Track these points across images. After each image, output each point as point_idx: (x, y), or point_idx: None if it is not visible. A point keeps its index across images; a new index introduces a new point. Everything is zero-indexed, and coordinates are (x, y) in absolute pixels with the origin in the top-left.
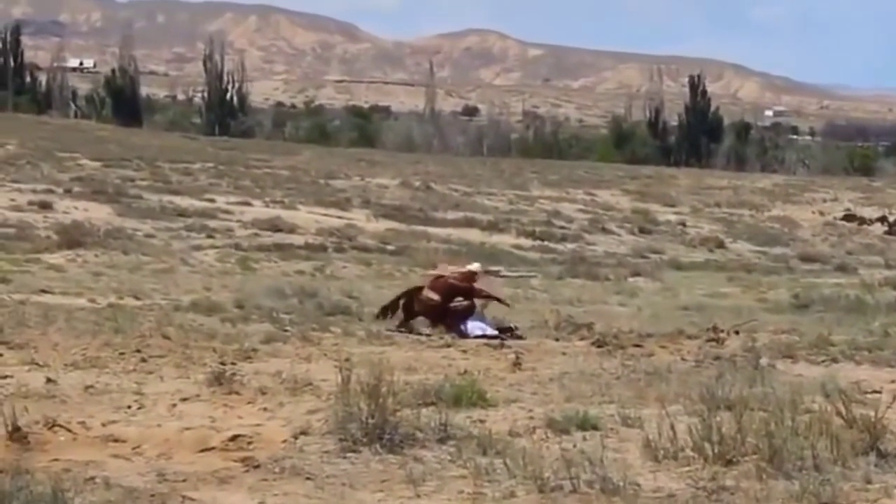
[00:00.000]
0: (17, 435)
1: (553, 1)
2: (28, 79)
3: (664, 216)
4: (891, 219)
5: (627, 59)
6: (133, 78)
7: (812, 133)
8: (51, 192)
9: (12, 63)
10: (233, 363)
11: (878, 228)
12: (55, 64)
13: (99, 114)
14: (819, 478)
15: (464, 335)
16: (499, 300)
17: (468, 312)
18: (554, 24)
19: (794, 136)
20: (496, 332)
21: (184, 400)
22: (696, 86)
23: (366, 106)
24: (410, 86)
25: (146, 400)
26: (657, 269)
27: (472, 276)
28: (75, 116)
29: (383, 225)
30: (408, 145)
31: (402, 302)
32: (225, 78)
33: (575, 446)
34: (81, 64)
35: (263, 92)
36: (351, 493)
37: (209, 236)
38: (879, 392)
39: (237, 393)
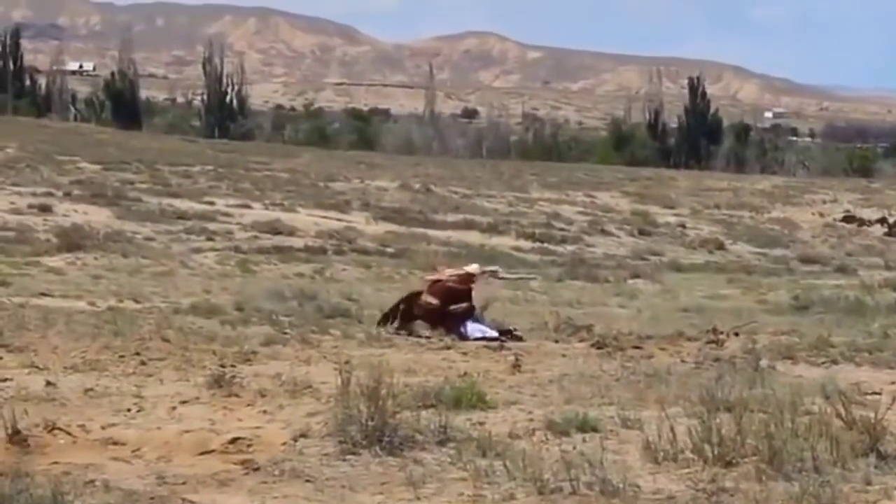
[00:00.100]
0: (16, 438)
1: (552, 3)
2: (27, 82)
3: (664, 218)
4: (890, 220)
5: (627, 61)
6: (132, 81)
7: (812, 134)
8: (50, 195)
9: (12, 66)
10: (232, 366)
11: (878, 230)
12: (54, 67)
13: (98, 117)
14: (819, 479)
15: (463, 337)
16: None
17: (467, 315)
18: (553, 27)
19: (794, 138)
20: (496, 335)
21: (183, 402)
22: (695, 87)
23: (365, 108)
24: (410, 88)
25: (146, 403)
26: (657, 271)
27: (469, 277)
28: (75, 119)
29: (383, 227)
30: (407, 148)
31: (401, 308)
32: (224, 81)
33: (574, 448)
34: (81, 67)
35: (263, 94)
36: (351, 495)
37: (209, 239)
38: (879, 393)
39: (237, 395)
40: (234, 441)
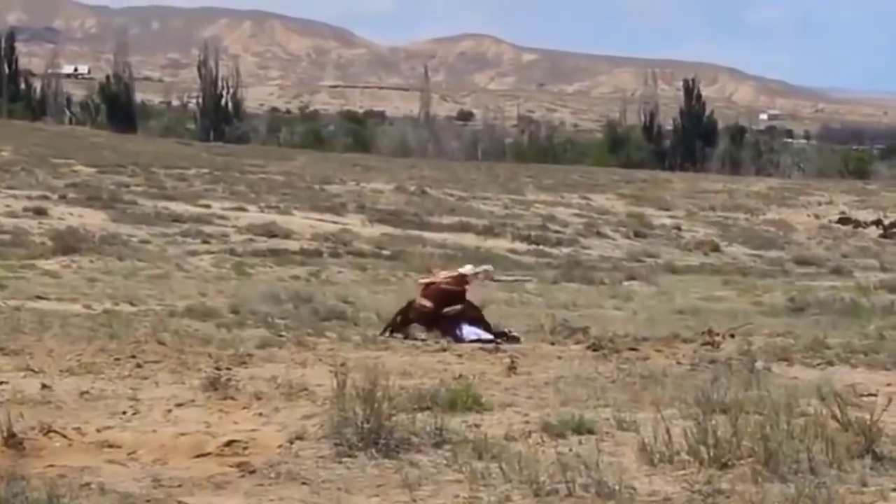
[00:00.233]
0: (12, 441)
1: (548, 5)
2: (23, 85)
3: (659, 220)
4: (886, 222)
5: (622, 64)
6: (128, 84)
7: (807, 136)
8: (46, 198)
9: (7, 70)
10: (228, 368)
11: (873, 231)
12: (50, 70)
13: (94, 120)
14: (814, 481)
15: (459, 339)
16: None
17: (461, 316)
18: (549, 29)
19: (789, 140)
20: (491, 336)
21: (179, 405)
22: (690, 90)
23: (360, 111)
24: (405, 91)
25: (141, 405)
26: (652, 273)
27: (463, 279)
28: (70, 123)
29: (378, 230)
30: (403, 150)
31: (399, 319)
32: (220, 84)
33: (570, 450)
34: (76, 70)
35: (258, 97)
36: (347, 497)
37: (204, 242)
38: (875, 395)
39: (232, 398)
40: (229, 444)
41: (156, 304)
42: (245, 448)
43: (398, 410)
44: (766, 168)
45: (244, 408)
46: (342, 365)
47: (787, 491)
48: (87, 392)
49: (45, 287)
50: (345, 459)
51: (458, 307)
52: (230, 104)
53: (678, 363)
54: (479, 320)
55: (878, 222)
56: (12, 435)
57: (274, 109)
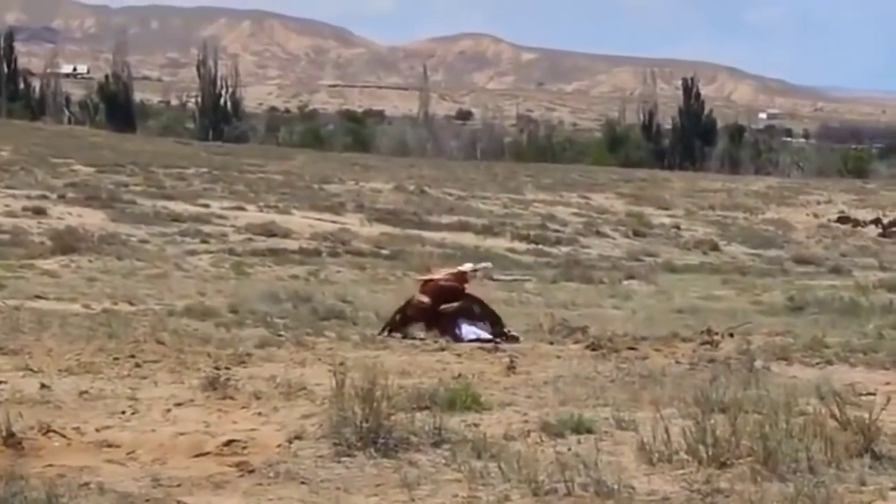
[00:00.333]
0: (11, 441)
1: (547, 5)
2: (22, 85)
3: (658, 219)
4: (885, 221)
5: (621, 63)
6: (127, 83)
7: (806, 135)
8: (45, 197)
9: (6, 69)
10: (227, 368)
11: (873, 230)
12: (49, 70)
13: (93, 119)
14: (813, 480)
15: (458, 339)
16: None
17: (459, 314)
18: (548, 28)
19: (788, 139)
20: (490, 336)
21: (178, 405)
22: (689, 89)
23: (360, 110)
24: (404, 90)
25: (140, 405)
26: (651, 272)
27: (462, 276)
28: (69, 122)
29: (377, 229)
30: (402, 149)
31: (398, 317)
32: (219, 83)
33: (569, 449)
34: (75, 70)
35: (257, 97)
36: (345, 497)
37: (203, 241)
38: (874, 394)
39: (231, 398)
40: (228, 443)
41: (155, 303)
42: (244, 447)
43: (397, 410)
44: (765, 167)
45: (243, 407)
46: (341, 364)
47: (786, 490)
48: (86, 392)
49: (44, 287)
50: (344, 459)
51: (455, 305)
52: (229, 103)
53: (677, 362)
54: (485, 315)
55: (877, 221)
56: (11, 434)
57: (273, 109)
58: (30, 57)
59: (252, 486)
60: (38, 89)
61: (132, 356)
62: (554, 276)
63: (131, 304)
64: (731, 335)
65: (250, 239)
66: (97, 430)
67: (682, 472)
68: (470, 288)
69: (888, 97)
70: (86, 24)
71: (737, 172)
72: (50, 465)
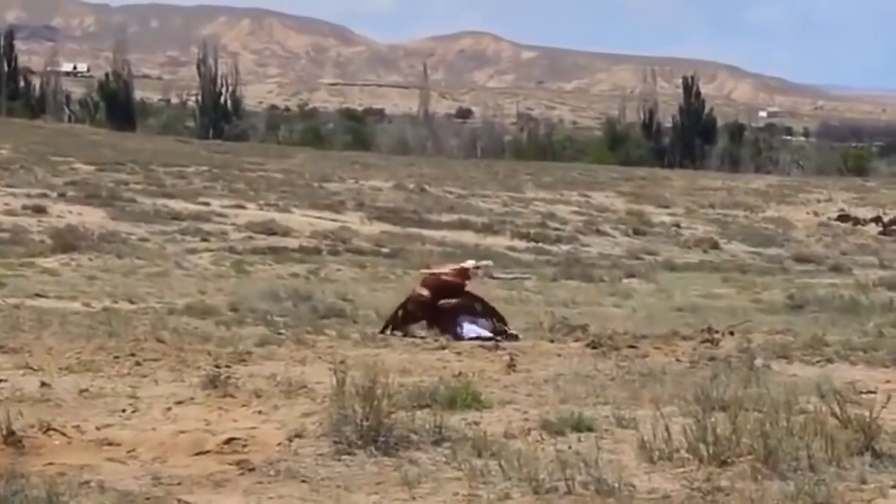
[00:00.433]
0: (11, 439)
1: (547, 3)
2: (22, 83)
3: (658, 217)
4: (885, 219)
5: (621, 61)
6: (127, 82)
7: (806, 134)
8: (45, 196)
9: (6, 68)
10: (227, 366)
11: (873, 229)
12: (49, 68)
13: (93, 118)
14: (814, 478)
15: (458, 337)
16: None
17: (458, 310)
18: (548, 27)
19: (788, 137)
20: (490, 334)
21: (178, 403)
22: (689, 87)
23: (359, 109)
24: (404, 88)
25: (141, 403)
26: (652, 271)
27: (465, 272)
28: (69, 121)
29: (377, 227)
30: (402, 148)
31: (400, 313)
32: (218, 81)
33: (570, 448)
34: (75, 68)
35: (257, 95)
36: (346, 495)
37: (203, 240)
38: (874, 392)
39: (232, 396)
40: (229, 441)
41: (155, 302)
42: (244, 446)
43: (397, 408)
44: (765, 165)
45: (243, 406)
46: (341, 363)
47: (787, 488)
48: (86, 390)
49: (45, 285)
50: (344, 457)
51: (453, 301)
52: (229, 102)
53: (677, 361)
54: (487, 313)
55: (877, 219)
56: (11, 433)
57: (273, 107)
58: (30, 55)
59: (252, 485)
60: (38, 88)
61: (132, 354)
62: (554, 275)
63: (131, 302)
64: (732, 333)
65: (250, 237)
66: (97, 429)
67: (682, 470)
68: (471, 285)
69: (888, 95)
70: (86, 22)
71: (737, 171)
72: (50, 464)
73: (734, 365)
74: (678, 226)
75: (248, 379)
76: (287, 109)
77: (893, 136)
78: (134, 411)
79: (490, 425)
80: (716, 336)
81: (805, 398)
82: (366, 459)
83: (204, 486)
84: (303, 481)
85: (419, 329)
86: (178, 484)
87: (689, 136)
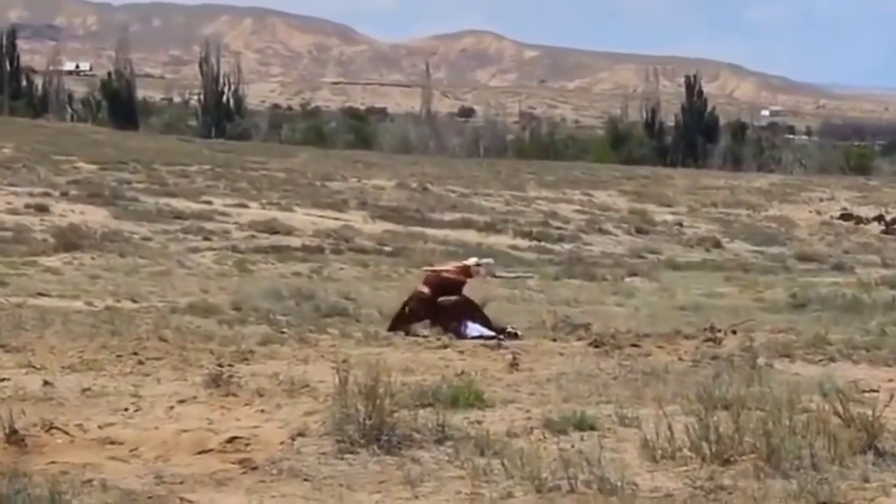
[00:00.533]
0: (14, 438)
1: (549, 2)
2: (24, 82)
3: (661, 216)
4: (887, 218)
5: (624, 60)
6: (129, 81)
7: (808, 132)
8: (47, 195)
9: (8, 67)
10: (230, 365)
11: (875, 227)
12: (51, 67)
13: (95, 117)
14: (817, 477)
15: (461, 336)
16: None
17: (457, 308)
18: (550, 26)
19: (791, 136)
20: (493, 333)
21: (181, 402)
22: (692, 86)
23: (362, 108)
24: (407, 87)
25: (143, 402)
26: (654, 270)
27: (467, 270)
28: (71, 120)
29: (380, 226)
30: (404, 147)
31: (406, 310)
32: (221, 80)
33: (572, 446)
34: (77, 67)
35: (260, 94)
36: (349, 494)
37: (206, 238)
38: (877, 391)
39: (234, 395)
40: (231, 440)
41: (157, 300)
42: (247, 444)
43: (400, 407)
44: (767, 164)
45: (246, 404)
46: (344, 361)
47: (789, 487)
48: (88, 389)
49: (47, 284)
50: (347, 456)
51: (453, 298)
52: (231, 101)
53: (680, 359)
54: (477, 316)
55: (879, 218)
56: (14, 432)
57: (275, 106)
58: (32, 54)
59: (255, 483)
60: (40, 87)
61: (135, 353)
62: (556, 274)
63: (134, 301)
64: (734, 332)
65: (253, 236)
66: (100, 428)
67: (685, 468)
68: (473, 284)
69: (890, 94)
70: (88, 21)
71: (739, 169)
72: (53, 463)
73: (737, 364)
74: (681, 224)
75: (251, 378)
76: (289, 108)
77: (895, 135)
78: (136, 410)
79: (493, 424)
80: (718, 335)
81: (807, 397)
82: (368, 458)
83: (206, 484)
84: (305, 480)
85: (422, 328)
86: (181, 482)
87: (692, 134)
